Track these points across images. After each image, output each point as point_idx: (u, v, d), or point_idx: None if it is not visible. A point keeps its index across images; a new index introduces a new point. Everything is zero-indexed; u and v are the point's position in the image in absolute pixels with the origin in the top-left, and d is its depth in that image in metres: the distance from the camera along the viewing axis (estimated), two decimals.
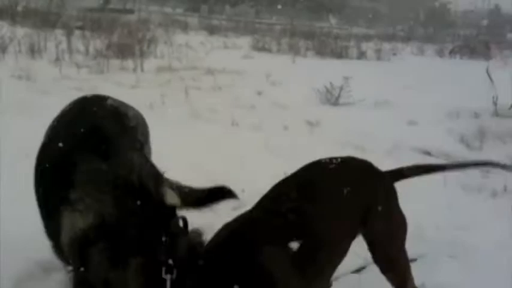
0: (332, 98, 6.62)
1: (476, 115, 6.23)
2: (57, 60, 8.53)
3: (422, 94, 7.94)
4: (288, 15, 58.93)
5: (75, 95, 5.45)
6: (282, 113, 5.85)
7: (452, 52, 23.06)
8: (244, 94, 6.82)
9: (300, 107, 6.21)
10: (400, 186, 3.35)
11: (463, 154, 4.65)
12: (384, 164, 3.99)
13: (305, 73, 10.02)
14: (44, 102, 5.08)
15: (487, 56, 21.64)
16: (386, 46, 21.89)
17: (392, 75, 11.08)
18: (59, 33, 12.85)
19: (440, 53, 22.96)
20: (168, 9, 60.50)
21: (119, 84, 6.95)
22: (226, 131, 4.82)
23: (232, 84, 7.71)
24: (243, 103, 6.24)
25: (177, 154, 3.78)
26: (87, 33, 11.99)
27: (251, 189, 2.80)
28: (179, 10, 63.04)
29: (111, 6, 44.72)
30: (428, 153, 4.59)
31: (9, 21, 16.01)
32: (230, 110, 5.76)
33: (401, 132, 5.15)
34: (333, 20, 44.11)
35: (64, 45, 10.08)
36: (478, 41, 26.97)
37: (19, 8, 19.29)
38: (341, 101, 6.61)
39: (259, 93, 7.01)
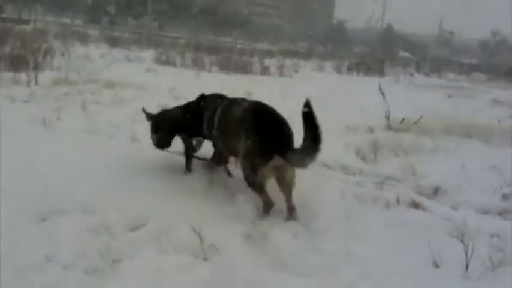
0: None
1: (371, 129, 6.55)
2: None
3: (322, 109, 8.24)
4: (191, 30, 59.01)
5: None
6: None
7: (349, 69, 24.27)
8: (148, 108, 6.66)
9: None
10: (297, 194, 3.49)
11: (359, 166, 4.88)
12: None
13: (209, 87, 10.02)
14: None
15: (381, 73, 23.12)
16: (289, 62, 22.65)
17: (292, 90, 11.41)
18: None
19: (338, 70, 24.09)
20: (66, 20, 58.27)
21: (11, 99, 6.51)
22: (126, 148, 4.67)
23: (134, 98, 7.51)
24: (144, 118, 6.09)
25: (70, 173, 3.61)
26: None
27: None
28: (78, 21, 60.95)
29: (4, 15, 42.20)
30: (326, 166, 4.74)
31: None
32: (131, 125, 5.61)
33: None
34: (236, 36, 44.83)
35: None
36: (373, 58, 28.67)
37: None
38: None
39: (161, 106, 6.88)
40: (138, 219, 2.89)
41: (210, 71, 16.02)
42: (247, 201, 3.51)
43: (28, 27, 28.83)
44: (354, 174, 4.63)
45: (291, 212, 3.36)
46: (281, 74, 17.50)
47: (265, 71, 17.70)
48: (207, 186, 3.79)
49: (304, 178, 4.25)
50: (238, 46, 37.39)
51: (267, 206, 3.38)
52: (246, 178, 3.38)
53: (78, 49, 17.86)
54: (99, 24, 51.67)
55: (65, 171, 3.62)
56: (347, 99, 10.10)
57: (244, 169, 3.39)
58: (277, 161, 3.24)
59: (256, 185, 3.35)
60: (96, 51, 19.06)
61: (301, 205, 3.48)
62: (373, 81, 17.43)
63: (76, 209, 2.96)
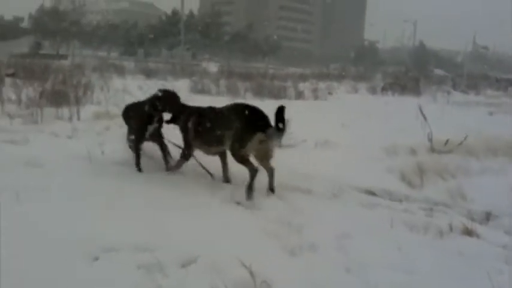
0: None
1: (413, 151, 6.42)
2: None
3: (360, 132, 8.18)
4: (223, 57, 59.88)
5: (8, 149, 5.22)
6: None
7: (383, 89, 24.03)
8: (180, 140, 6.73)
9: None
10: (345, 224, 3.42)
11: (406, 192, 4.76)
12: (333, 208, 4.05)
13: None
14: None
15: (417, 92, 22.78)
16: (322, 85, 22.64)
17: (329, 114, 11.37)
18: None
19: (372, 91, 23.88)
20: (103, 53, 60.14)
21: (54, 135, 6.68)
22: (171, 181, 4.69)
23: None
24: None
25: (119, 208, 3.64)
26: (19, 81, 11.57)
27: None
28: (114, 54, 62.76)
29: (43, 51, 43.84)
30: (373, 194, 4.65)
31: None
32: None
33: (343, 172, 5.21)
34: (268, 61, 45.23)
35: None
36: (407, 77, 28.34)
37: None
38: (283, 143, 6.64)
39: None
40: (188, 255, 2.87)
41: (244, 97, 16.12)
42: (295, 234, 3.44)
43: (66, 62, 29.88)
44: (400, 201, 4.51)
45: (270, 173, 4.55)
46: (315, 98, 17.50)
47: (299, 95, 17.72)
48: (254, 220, 3.73)
49: (349, 205, 4.21)
50: (270, 71, 37.65)
51: (253, 172, 4.41)
52: (236, 154, 4.49)
53: (116, 82, 18.27)
54: (134, 56, 53.14)
55: (114, 207, 3.66)
56: (384, 121, 9.98)
57: (234, 149, 4.49)
58: (259, 136, 4.39)
59: (244, 158, 4.46)
60: (133, 83, 19.44)
61: (347, 234, 3.41)
62: (409, 100, 17.25)
63: (127, 246, 2.97)
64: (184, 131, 4.94)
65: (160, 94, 5.05)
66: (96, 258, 2.85)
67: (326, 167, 5.39)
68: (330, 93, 19.56)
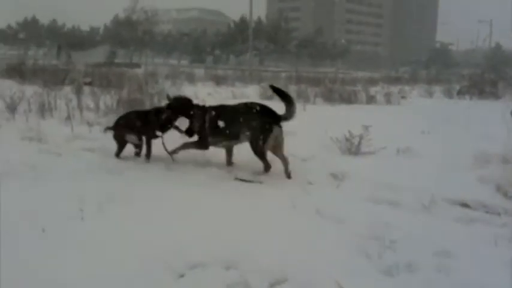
0: (352, 147, 6.37)
1: (506, 160, 5.92)
2: (68, 118, 8.35)
3: (442, 138, 7.73)
4: (291, 63, 59.78)
5: (88, 157, 5.27)
6: (303, 166, 5.58)
7: (460, 93, 22.89)
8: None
9: (320, 159, 5.95)
10: (443, 240, 3.11)
11: (503, 204, 4.35)
12: (426, 222, 3.73)
13: (317, 121, 9.84)
14: (57, 165, 4.91)
15: (496, 96, 21.50)
16: (393, 89, 21.89)
17: (406, 119, 10.89)
18: (68, 90, 12.91)
19: (448, 94, 22.80)
20: (173, 61, 61.81)
21: None
22: (246, 189, 4.54)
23: None
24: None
25: (205, 223, 3.52)
26: (97, 90, 11.94)
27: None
28: (184, 62, 64.34)
29: (117, 60, 45.58)
30: (466, 206, 4.28)
31: (18, 80, 16.15)
32: (247, 164, 5.54)
33: (431, 182, 4.85)
34: (337, 65, 44.61)
35: (74, 103, 10.04)
36: (484, 80, 26.86)
37: (27, 67, 19.53)
38: (362, 150, 6.36)
39: None
40: (277, 274, 2.69)
41: (314, 102, 15.85)
42: (388, 251, 3.17)
43: (140, 71, 30.82)
44: (498, 214, 4.11)
45: (285, 162, 5.13)
46: (388, 102, 16.92)
47: (370, 99, 17.20)
48: (340, 234, 3.49)
49: (443, 219, 3.87)
50: (339, 75, 37.07)
51: (267, 167, 5.11)
52: (257, 150, 5.05)
53: (187, 89, 18.56)
54: (203, 63, 54.25)
55: (200, 221, 3.55)
56: (467, 126, 9.38)
57: (255, 145, 5.04)
58: (276, 131, 5.05)
59: (263, 153, 5.07)
60: (204, 90, 19.67)
61: (447, 253, 3.10)
62: (489, 104, 16.30)
63: (213, 263, 2.83)
64: (201, 126, 5.30)
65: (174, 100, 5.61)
66: (182, 275, 2.73)
67: (412, 176, 5.06)
68: (403, 97, 18.83)
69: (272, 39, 58.99)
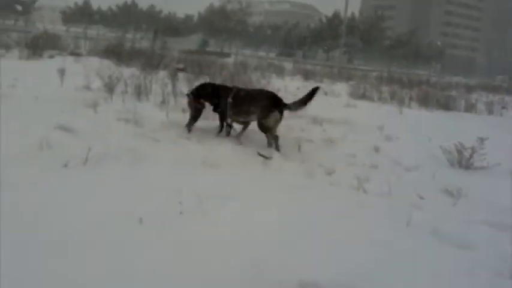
0: (463, 160, 5.78)
1: None
2: (163, 103, 8.34)
3: None
4: (381, 62, 58.01)
5: (186, 145, 5.09)
6: (408, 176, 5.10)
7: None
8: (360, 150, 6.17)
9: (427, 170, 5.43)
10: None
11: None
12: None
13: (418, 127, 9.23)
14: (155, 152, 4.78)
15: None
16: (492, 98, 20.40)
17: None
18: (163, 74, 13.07)
19: None
20: (262, 53, 62.01)
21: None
22: (352, 199, 4.14)
23: (344, 137, 7.08)
24: (360, 161, 5.59)
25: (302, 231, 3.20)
26: (191, 76, 11.97)
27: None
28: (272, 54, 64.37)
29: (209, 49, 46.37)
30: None
31: (115, 61, 16.66)
32: (347, 168, 5.15)
33: None
34: (434, 69, 42.59)
35: (168, 88, 10.09)
36: None
37: (125, 49, 20.16)
38: (475, 164, 5.75)
39: (377, 150, 6.30)
40: None
41: (409, 106, 15.03)
42: None
43: (230, 60, 31.09)
44: None
45: (276, 138, 5.95)
46: (489, 112, 15.72)
47: (470, 107, 16.07)
48: (475, 267, 3.02)
49: None
50: (432, 79, 35.37)
51: (277, 140, 5.92)
52: (269, 128, 5.94)
53: (276, 81, 18.33)
54: (290, 57, 53.94)
55: (296, 228, 3.24)
56: None
57: (267, 123, 5.91)
58: (275, 114, 5.92)
59: (274, 131, 5.97)
60: (292, 83, 19.33)
61: None
62: None
63: (327, 284, 2.51)
64: (224, 104, 6.16)
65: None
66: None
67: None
68: (503, 108, 17.46)
69: (364, 37, 57.48)
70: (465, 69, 76.25)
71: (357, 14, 69.59)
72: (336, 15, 59.14)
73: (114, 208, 3.26)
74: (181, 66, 17.86)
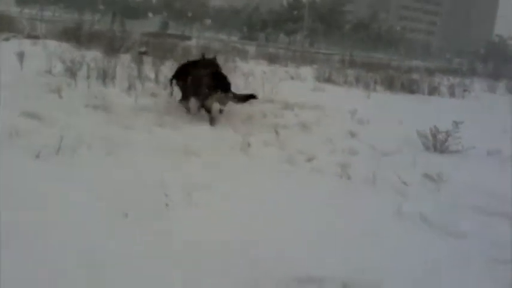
0: (438, 143, 5.80)
1: None
2: (130, 88, 8.05)
3: None
4: (342, 46, 58.40)
5: (160, 132, 4.90)
6: (388, 161, 5.06)
7: None
8: (336, 135, 6.12)
9: (404, 154, 5.43)
10: None
11: None
12: None
13: (387, 110, 9.27)
14: (131, 141, 4.57)
15: None
16: (453, 81, 20.78)
17: (478, 115, 10.10)
18: (126, 58, 12.69)
19: None
20: (223, 37, 61.36)
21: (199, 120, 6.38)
22: (337, 186, 4.06)
23: (317, 121, 7.01)
24: (338, 146, 5.52)
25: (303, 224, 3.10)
26: (156, 60, 11.64)
27: None
28: (234, 38, 63.81)
29: (169, 31, 45.53)
30: None
31: (74, 44, 16.06)
32: (327, 155, 5.08)
33: None
34: (392, 53, 43.15)
35: (133, 72, 9.80)
36: None
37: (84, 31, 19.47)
38: (450, 148, 5.78)
39: (352, 135, 6.26)
40: None
41: (375, 90, 15.12)
42: None
43: (191, 43, 30.58)
44: None
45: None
46: (451, 95, 16.00)
47: (433, 90, 16.32)
48: (475, 255, 2.99)
49: None
50: (394, 63, 35.81)
51: (213, 120, 6.14)
52: (206, 105, 6.24)
53: (242, 66, 18.09)
54: (253, 41, 53.58)
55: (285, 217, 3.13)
56: None
57: (205, 101, 6.22)
58: (218, 93, 6.17)
59: (210, 108, 6.23)
60: (258, 68, 19.14)
61: None
62: None
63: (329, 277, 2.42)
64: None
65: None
66: None
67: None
68: (465, 91, 17.82)
69: (326, 20, 57.66)
70: (422, 53, 77.70)
71: None
72: None
73: (95, 202, 3.07)
74: (143, 49, 17.45)
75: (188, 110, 6.66)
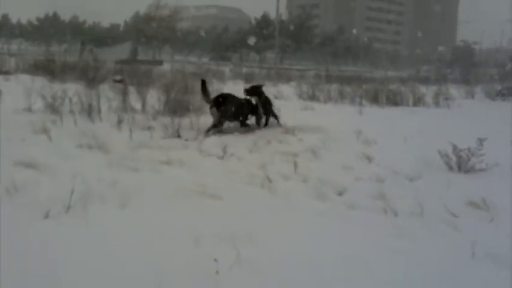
0: (462, 163, 5.47)
1: None
2: (120, 122, 7.52)
3: None
4: (313, 61, 58.75)
5: (168, 171, 4.40)
6: (420, 189, 4.65)
7: (501, 94, 21.70)
8: (352, 160, 5.75)
9: (429, 177, 5.08)
10: None
11: None
12: None
13: (385, 127, 8.97)
14: (142, 185, 4.08)
15: None
16: (430, 90, 20.76)
17: (475, 126, 9.85)
18: (105, 89, 12.17)
19: (490, 96, 21.60)
20: (193, 59, 60.99)
21: (207, 154, 5.87)
22: (387, 225, 3.64)
23: (325, 146, 6.63)
24: (361, 174, 5.12)
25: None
26: (141, 89, 11.13)
27: None
28: (204, 59, 63.49)
29: (139, 57, 44.94)
30: None
31: (48, 78, 15.43)
32: (357, 186, 4.67)
33: None
34: (361, 65, 43.39)
35: (114, 103, 9.37)
36: None
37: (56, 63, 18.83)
38: (471, 165, 5.46)
39: (369, 159, 5.89)
40: None
41: (361, 104, 14.88)
42: None
43: (165, 68, 30.06)
44: None
45: None
46: (437, 105, 15.87)
47: (418, 101, 16.19)
48: None
49: None
50: (366, 74, 35.99)
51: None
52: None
53: (222, 87, 17.68)
54: (224, 61, 53.29)
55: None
56: None
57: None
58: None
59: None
60: (236, 88, 18.75)
61: None
62: None
63: None
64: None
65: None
66: None
67: None
68: (446, 99, 17.72)
69: (295, 36, 57.91)
70: (391, 62, 78.74)
71: (283, 14, 70.23)
72: (265, 17, 59.24)
73: (123, 271, 2.58)
74: (119, 77, 16.99)
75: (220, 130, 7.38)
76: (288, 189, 4.36)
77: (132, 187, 3.97)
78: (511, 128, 9.28)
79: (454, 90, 25.18)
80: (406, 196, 4.15)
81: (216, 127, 7.33)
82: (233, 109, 7.48)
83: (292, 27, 58.69)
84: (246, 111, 7.78)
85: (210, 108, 7.56)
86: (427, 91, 18.42)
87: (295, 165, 5.12)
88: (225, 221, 3.38)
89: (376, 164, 5.67)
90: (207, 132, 7.15)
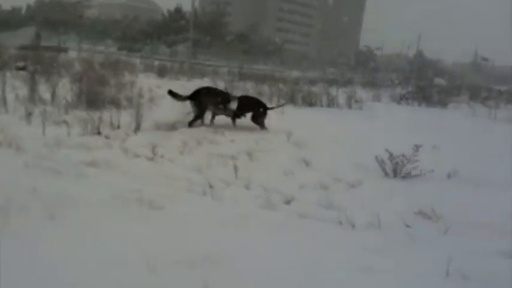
0: (398, 169, 5.44)
1: None
2: (30, 115, 6.75)
3: (455, 155, 6.96)
4: (224, 57, 58.51)
5: (95, 174, 3.88)
6: (364, 196, 4.51)
7: (405, 98, 22.74)
8: (289, 164, 5.53)
9: (369, 184, 4.97)
10: None
11: None
12: None
13: (312, 128, 8.90)
14: (71, 192, 3.54)
15: (443, 103, 21.46)
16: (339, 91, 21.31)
17: (393, 130, 10.10)
18: (8, 76, 11.07)
19: (395, 99, 22.55)
20: (101, 48, 58.29)
21: (135, 155, 5.35)
22: (347, 239, 3.41)
23: (259, 147, 6.37)
24: (303, 180, 4.89)
25: None
26: (49, 78, 10.22)
27: None
28: (112, 49, 60.89)
29: (43, 43, 42.10)
30: None
31: None
32: (304, 194, 4.43)
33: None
34: (273, 63, 43.90)
35: (20, 92, 8.54)
36: (430, 87, 27.08)
37: None
38: (409, 172, 5.44)
39: (307, 164, 5.69)
40: None
41: (278, 103, 14.79)
42: None
43: (71, 56, 28.40)
44: None
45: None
46: (349, 106, 16.19)
47: (332, 102, 16.44)
48: None
49: None
50: (276, 74, 36.31)
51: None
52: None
53: (132, 79, 16.79)
54: (133, 52, 51.39)
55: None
56: (473, 141, 8.79)
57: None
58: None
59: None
60: (150, 81, 17.96)
61: None
62: (448, 114, 16.05)
63: None
64: None
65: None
66: None
67: (491, 212, 4.12)
68: (356, 101, 18.15)
69: (208, 31, 57.33)
70: (300, 63, 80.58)
71: (198, 9, 69.24)
72: (178, 10, 58.04)
73: None
74: (21, 64, 15.90)
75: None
76: (233, 196, 4.01)
77: (58, 194, 3.41)
78: (431, 131, 9.65)
79: (361, 92, 26.17)
80: (351, 204, 3.98)
81: (198, 118, 7.73)
82: (211, 100, 7.87)
83: (205, 22, 58.08)
84: (225, 101, 8.01)
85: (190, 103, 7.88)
86: (337, 93, 18.84)
87: (236, 169, 4.78)
88: (175, 238, 2.96)
89: (315, 169, 5.47)
90: (190, 125, 7.53)
